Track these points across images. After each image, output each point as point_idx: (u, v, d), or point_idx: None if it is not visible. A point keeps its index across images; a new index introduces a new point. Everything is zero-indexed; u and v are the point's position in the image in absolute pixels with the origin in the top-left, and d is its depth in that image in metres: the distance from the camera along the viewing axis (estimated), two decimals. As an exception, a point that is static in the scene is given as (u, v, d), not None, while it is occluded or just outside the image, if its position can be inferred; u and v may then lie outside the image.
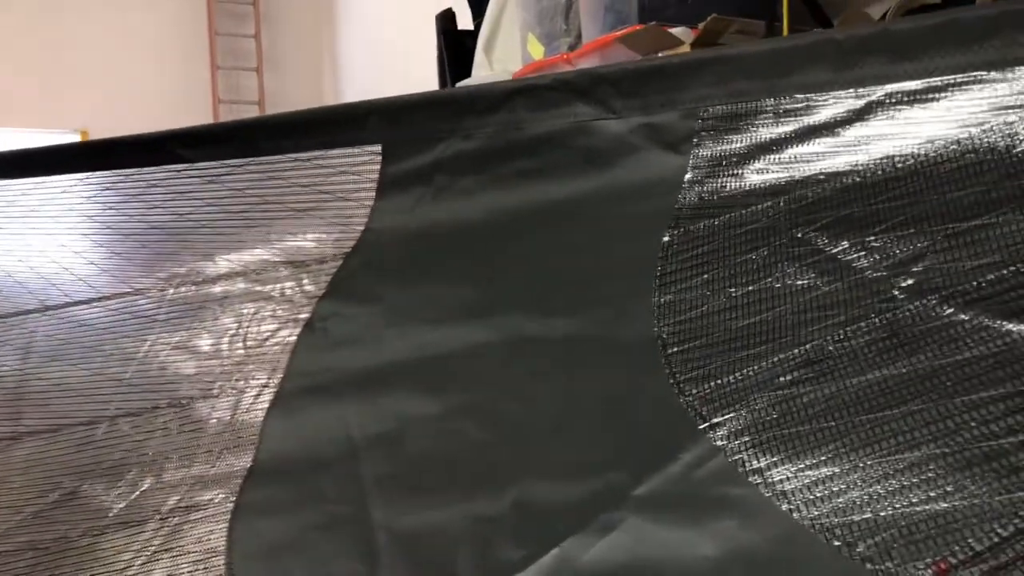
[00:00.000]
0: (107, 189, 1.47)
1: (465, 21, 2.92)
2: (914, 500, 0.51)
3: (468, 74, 2.57)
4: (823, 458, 0.56)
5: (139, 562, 0.85)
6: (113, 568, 0.86)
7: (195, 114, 4.50)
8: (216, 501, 0.87)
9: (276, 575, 0.78)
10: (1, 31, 5.05)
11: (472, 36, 2.75)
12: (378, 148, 1.11)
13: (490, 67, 2.50)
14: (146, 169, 1.38)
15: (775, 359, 0.64)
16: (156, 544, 0.86)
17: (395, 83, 3.63)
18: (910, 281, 0.62)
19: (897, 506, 0.51)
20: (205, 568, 0.81)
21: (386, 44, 4.57)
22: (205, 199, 1.32)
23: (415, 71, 3.53)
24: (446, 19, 2.85)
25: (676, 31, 1.72)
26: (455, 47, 2.79)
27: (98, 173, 1.48)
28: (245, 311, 1.13)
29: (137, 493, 0.95)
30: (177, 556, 0.83)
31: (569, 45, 2.21)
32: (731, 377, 0.64)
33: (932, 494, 0.50)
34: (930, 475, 0.51)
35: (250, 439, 0.92)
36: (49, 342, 1.38)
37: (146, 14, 5.38)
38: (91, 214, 1.50)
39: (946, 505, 0.49)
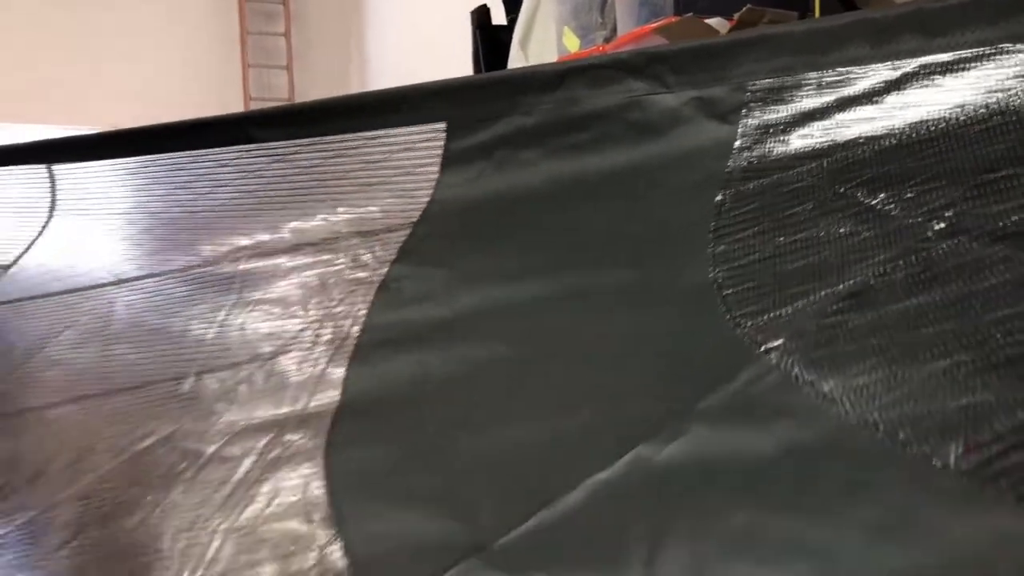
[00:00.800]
0: (178, 169, 1.57)
1: (498, 17, 3.02)
2: (948, 396, 0.59)
3: (503, 69, 2.67)
4: (867, 368, 0.65)
5: (242, 490, 0.95)
6: (218, 495, 0.95)
7: (226, 111, 4.62)
8: (309, 438, 0.97)
9: (375, 496, 0.88)
10: (32, 27, 5.18)
11: (506, 31, 2.85)
12: (442, 125, 1.20)
13: (526, 61, 2.60)
14: (216, 149, 1.48)
15: (822, 293, 0.73)
16: (255, 475, 0.96)
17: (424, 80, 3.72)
18: (942, 225, 0.71)
19: (933, 402, 0.60)
20: (305, 491, 0.91)
21: (415, 42, 4.68)
22: (275, 176, 1.42)
23: (444, 69, 3.63)
24: (481, 15, 2.94)
25: (712, 22, 1.81)
26: (490, 43, 2.88)
27: (168, 154, 1.59)
28: (320, 276, 1.23)
29: (231, 435, 1.05)
30: (279, 483, 0.93)
31: (604, 38, 2.30)
32: (783, 310, 0.73)
33: (963, 391, 0.59)
34: (961, 376, 0.60)
35: (335, 385, 1.02)
36: (129, 311, 1.49)
37: (179, 14, 5.51)
38: (161, 193, 1.61)
39: (975, 399, 0.58)
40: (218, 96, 5.27)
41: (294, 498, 0.92)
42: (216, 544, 0.93)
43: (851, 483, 0.62)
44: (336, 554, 0.85)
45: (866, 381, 0.64)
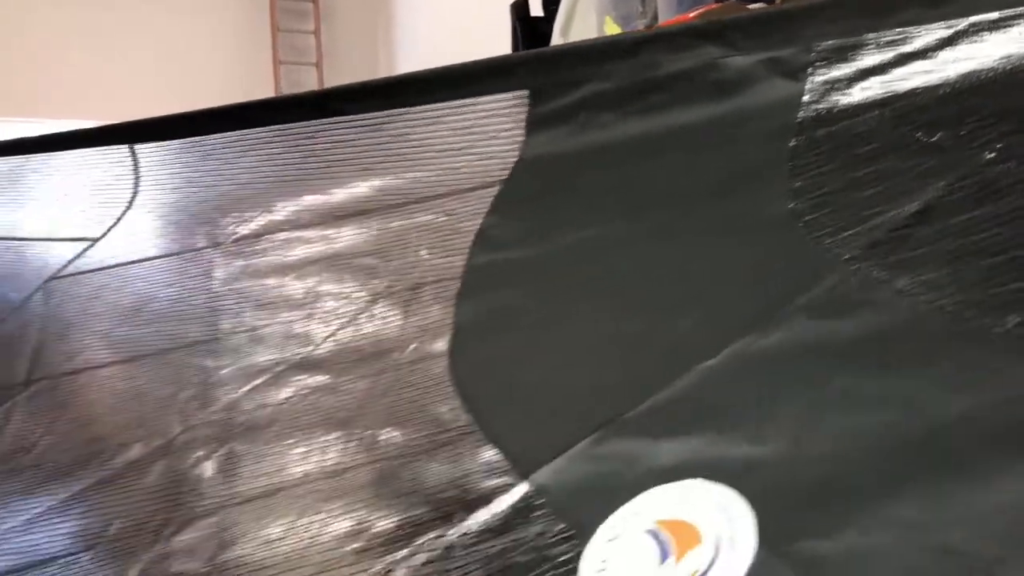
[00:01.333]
0: (267, 143, 1.72)
1: (535, 9, 3.16)
2: (1003, 281, 0.74)
3: (545, 58, 2.80)
4: (934, 267, 0.79)
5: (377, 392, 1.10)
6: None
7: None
8: (434, 359, 1.12)
9: (505, 392, 1.04)
10: (64, 24, 5.33)
11: (545, 22, 2.98)
12: (526, 93, 1.34)
13: (567, 49, 2.73)
14: (307, 122, 1.63)
15: (891, 213, 0.87)
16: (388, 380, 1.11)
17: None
18: (993, 154, 0.85)
19: (991, 287, 0.75)
20: (437, 387, 1.06)
21: (444, 38, 4.82)
22: (366, 144, 1.56)
23: (477, 62, 3.76)
24: (520, 7, 3.08)
25: (754, 7, 1.94)
26: (530, 34, 3.02)
27: (257, 128, 1.73)
28: (418, 230, 1.36)
29: (348, 365, 1.20)
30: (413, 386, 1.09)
31: (646, 25, 2.43)
32: (859, 228, 0.87)
33: (1016, 276, 0.73)
34: (1015, 265, 0.74)
35: (447, 318, 1.16)
36: (227, 271, 1.63)
37: (211, 13, 5.66)
38: (250, 165, 1.75)
39: (1027, 280, 0.72)
40: (250, 92, 5.41)
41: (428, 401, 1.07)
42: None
43: (926, 350, 0.76)
44: (478, 440, 0.99)
45: (933, 276, 0.78)
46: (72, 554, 1.22)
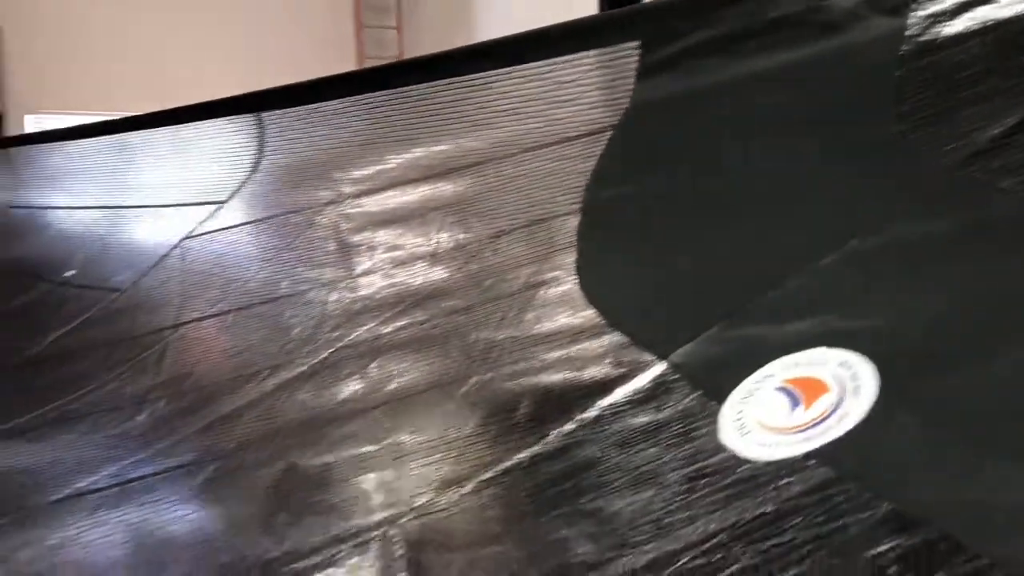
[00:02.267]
0: (383, 105, 1.84)
1: None
2: None
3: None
4: None
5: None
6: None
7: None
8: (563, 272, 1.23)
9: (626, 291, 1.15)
10: (157, 22, 5.56)
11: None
12: (637, 43, 1.44)
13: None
14: (416, 85, 1.74)
15: (994, 126, 0.95)
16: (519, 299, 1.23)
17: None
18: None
19: None
20: (568, 300, 1.17)
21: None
22: (478, 102, 1.67)
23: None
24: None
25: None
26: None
27: (368, 95, 1.85)
28: (533, 175, 1.47)
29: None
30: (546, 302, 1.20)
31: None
32: (963, 141, 0.96)
33: None
34: None
35: (570, 244, 1.27)
36: (351, 225, 1.76)
37: (298, 12, 5.86)
38: (370, 126, 1.87)
39: None
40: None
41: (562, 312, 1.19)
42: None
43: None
44: (613, 335, 1.10)
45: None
46: (234, 456, 1.36)
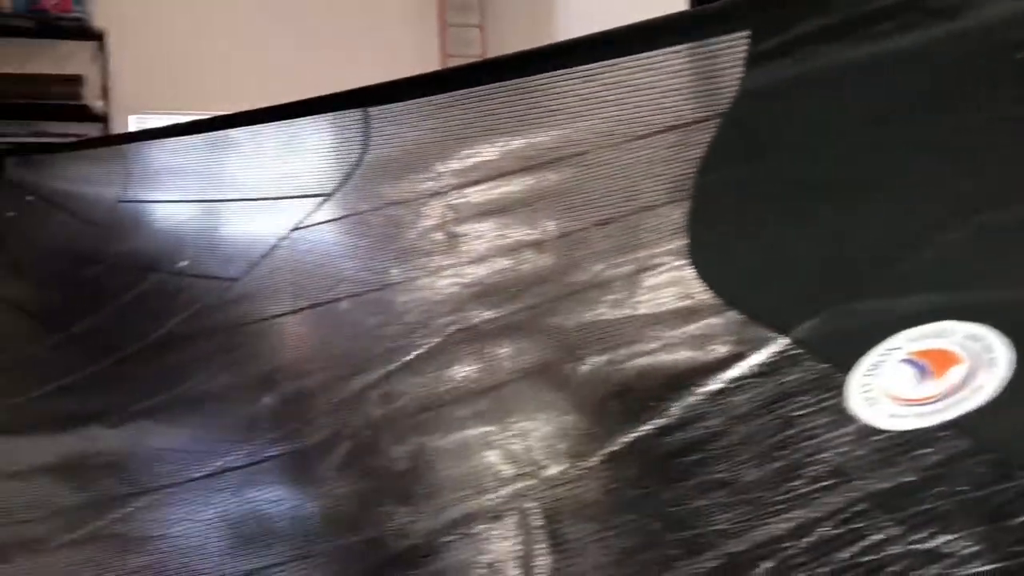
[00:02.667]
0: (488, 98, 1.89)
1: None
2: None
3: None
4: None
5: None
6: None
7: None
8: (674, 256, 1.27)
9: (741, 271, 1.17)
10: (252, 25, 5.70)
11: None
12: (747, 32, 1.46)
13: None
14: (532, 76, 1.78)
15: None
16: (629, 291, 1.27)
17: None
18: None
19: None
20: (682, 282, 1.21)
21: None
22: (582, 93, 1.71)
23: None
24: (698, -3, 3.17)
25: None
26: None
27: (474, 88, 1.90)
28: (641, 163, 1.50)
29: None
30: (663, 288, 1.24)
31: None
32: None
33: None
34: None
35: (680, 228, 1.31)
36: (459, 215, 1.81)
37: (384, 13, 5.97)
38: (476, 118, 1.92)
39: None
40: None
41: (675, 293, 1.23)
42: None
43: None
44: (731, 313, 1.13)
45: None
46: (363, 436, 1.43)
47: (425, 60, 5.91)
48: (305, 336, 1.86)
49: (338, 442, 1.49)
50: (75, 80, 5.37)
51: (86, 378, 2.28)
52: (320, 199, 2.23)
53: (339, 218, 2.18)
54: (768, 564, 0.92)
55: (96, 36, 5.43)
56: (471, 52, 5.98)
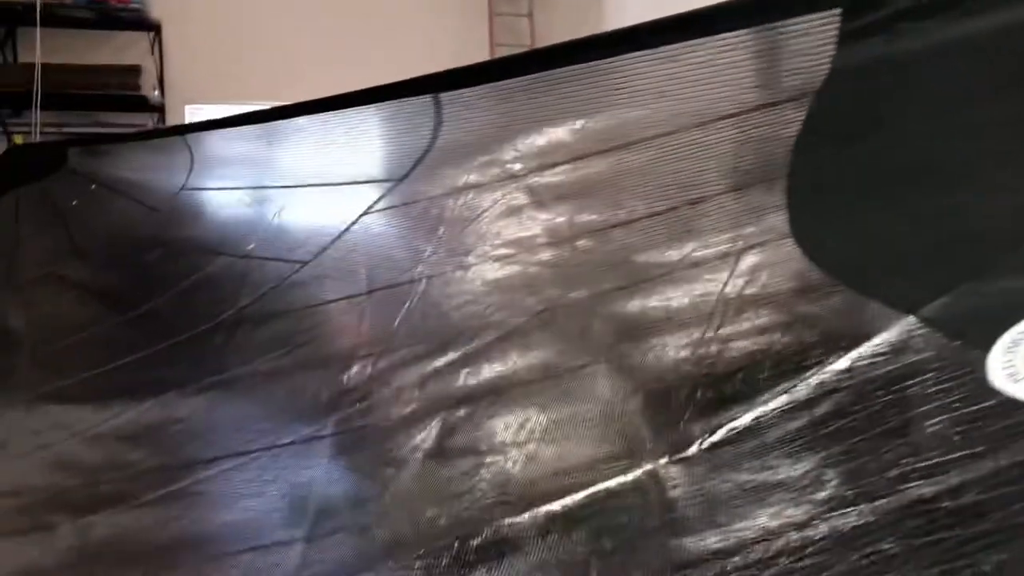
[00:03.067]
0: (562, 83, 1.88)
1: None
2: None
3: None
4: None
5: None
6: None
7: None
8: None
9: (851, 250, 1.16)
10: (304, 15, 5.74)
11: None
12: (838, 10, 1.44)
13: None
14: (621, 56, 1.77)
15: None
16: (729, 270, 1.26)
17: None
18: None
19: None
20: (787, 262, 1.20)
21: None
22: (662, 75, 1.69)
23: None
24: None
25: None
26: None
27: (547, 72, 1.89)
28: (729, 143, 1.49)
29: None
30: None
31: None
32: None
33: None
34: None
35: (779, 206, 1.30)
36: (543, 192, 1.81)
37: (433, 3, 5.97)
38: (547, 103, 1.92)
39: None
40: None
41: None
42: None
43: None
44: (842, 292, 1.12)
45: None
46: (453, 411, 1.44)
47: (474, 50, 5.91)
48: (381, 315, 1.88)
49: (425, 421, 1.50)
50: (134, 70, 5.45)
51: (158, 353, 2.31)
52: (391, 183, 2.24)
53: (411, 202, 2.19)
54: (894, 539, 0.92)
55: (153, 27, 5.50)
56: (520, 42, 5.98)
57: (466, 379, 1.55)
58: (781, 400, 1.10)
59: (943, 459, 0.91)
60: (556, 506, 1.24)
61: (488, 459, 1.39)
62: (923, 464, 0.93)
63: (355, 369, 1.76)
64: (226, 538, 1.45)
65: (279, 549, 1.41)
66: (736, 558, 1.04)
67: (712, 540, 1.07)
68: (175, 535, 1.50)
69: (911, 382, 0.97)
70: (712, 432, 1.19)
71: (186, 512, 1.57)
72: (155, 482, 1.64)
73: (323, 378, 1.76)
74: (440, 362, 1.59)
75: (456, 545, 1.29)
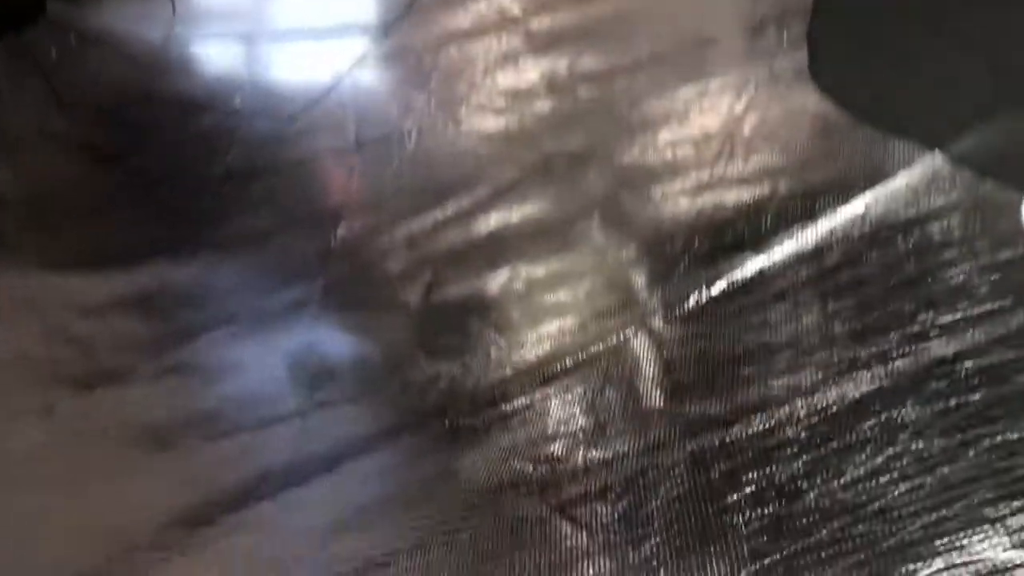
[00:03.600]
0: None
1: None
2: None
3: None
4: None
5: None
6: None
7: None
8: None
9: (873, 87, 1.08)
10: None
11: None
12: None
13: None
14: None
15: None
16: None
17: None
18: None
19: None
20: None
21: None
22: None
23: None
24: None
25: None
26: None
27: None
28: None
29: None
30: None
31: None
32: None
33: None
34: None
35: (800, 43, 1.20)
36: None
37: None
38: None
39: None
40: None
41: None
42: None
43: None
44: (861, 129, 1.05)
45: None
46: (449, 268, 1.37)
47: None
48: (371, 170, 1.80)
49: (417, 273, 1.45)
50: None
51: (146, 214, 2.25)
52: (382, 31, 2.14)
53: (402, 51, 2.08)
54: (911, 404, 0.87)
55: None
56: None
57: (459, 235, 1.50)
58: (787, 248, 1.04)
59: (967, 314, 0.85)
60: (549, 368, 1.21)
61: (478, 317, 1.35)
62: (945, 320, 0.87)
63: (344, 226, 1.71)
64: (225, 413, 1.42)
65: (279, 422, 1.38)
66: (735, 427, 0.99)
67: (710, 407, 1.03)
68: (174, 413, 1.47)
69: (933, 226, 0.90)
70: (710, 284, 1.14)
71: (182, 387, 1.53)
72: (150, 354, 1.61)
73: (312, 237, 1.70)
74: (432, 218, 1.53)
75: (448, 408, 1.26)
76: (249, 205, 1.92)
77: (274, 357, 1.51)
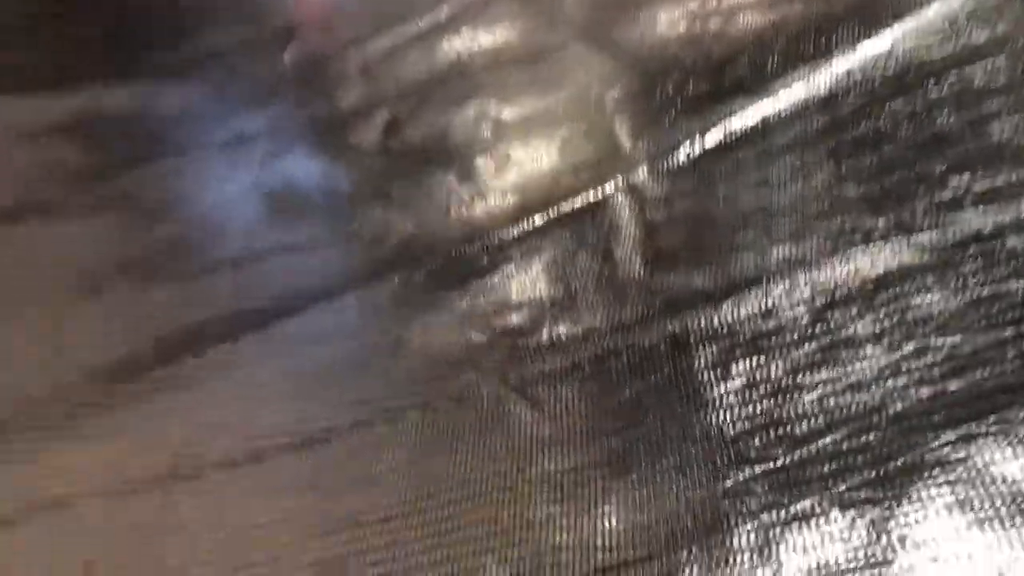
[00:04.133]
0: None
1: None
2: None
3: None
4: None
5: None
6: None
7: None
8: None
9: None
10: None
11: None
12: None
13: None
14: None
15: None
16: None
17: None
18: None
19: None
20: None
21: None
22: None
23: None
24: None
25: None
26: None
27: None
28: None
29: None
30: None
31: None
32: None
33: None
34: None
35: None
36: None
37: None
38: None
39: None
40: None
41: None
42: None
43: None
44: None
45: None
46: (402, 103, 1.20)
47: None
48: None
49: (373, 110, 1.28)
50: None
51: (85, 33, 2.04)
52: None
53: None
54: (938, 289, 0.73)
55: None
56: None
57: (418, 63, 1.31)
58: (796, 92, 0.87)
59: (1011, 179, 0.69)
60: (516, 226, 1.06)
61: (438, 164, 1.19)
62: (983, 186, 0.71)
63: (295, 47, 1.51)
64: (159, 261, 1.28)
65: (212, 272, 1.24)
66: (725, 305, 0.85)
67: (697, 280, 0.88)
68: (107, 256, 1.33)
69: (973, 68, 0.73)
70: (704, 133, 0.98)
71: (118, 225, 1.39)
72: (85, 186, 1.46)
73: (263, 60, 1.52)
74: (389, 40, 1.33)
75: (398, 266, 1.12)
76: (196, 26, 1.72)
77: (215, 196, 1.36)
